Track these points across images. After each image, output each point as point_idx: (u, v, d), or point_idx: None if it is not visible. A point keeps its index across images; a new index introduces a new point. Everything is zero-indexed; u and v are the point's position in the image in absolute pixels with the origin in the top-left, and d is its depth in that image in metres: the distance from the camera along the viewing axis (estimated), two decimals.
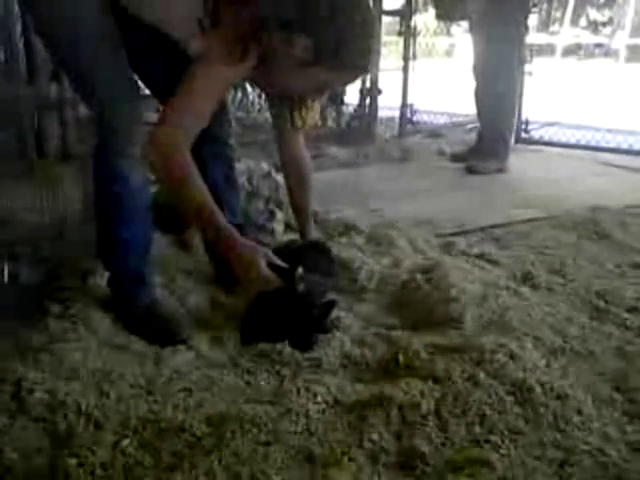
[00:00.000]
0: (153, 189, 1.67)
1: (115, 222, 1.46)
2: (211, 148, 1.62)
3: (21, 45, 3.14)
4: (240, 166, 2.08)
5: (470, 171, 3.35)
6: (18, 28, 3.13)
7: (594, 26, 15.37)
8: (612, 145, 3.95)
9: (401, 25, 4.23)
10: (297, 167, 1.70)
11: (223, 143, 1.70)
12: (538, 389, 1.14)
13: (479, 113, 3.58)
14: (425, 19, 4.97)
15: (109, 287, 1.54)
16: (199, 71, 1.28)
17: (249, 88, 4.44)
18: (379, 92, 4.04)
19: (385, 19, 4.36)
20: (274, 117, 1.67)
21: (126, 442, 1.03)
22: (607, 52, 13.10)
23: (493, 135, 3.43)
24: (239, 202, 1.85)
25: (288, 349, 1.34)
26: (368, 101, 4.11)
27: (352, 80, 1.44)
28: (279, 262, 1.31)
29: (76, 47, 1.33)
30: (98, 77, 1.36)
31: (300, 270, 1.35)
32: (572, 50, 12.96)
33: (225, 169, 1.72)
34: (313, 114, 1.61)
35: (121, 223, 1.46)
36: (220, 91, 1.36)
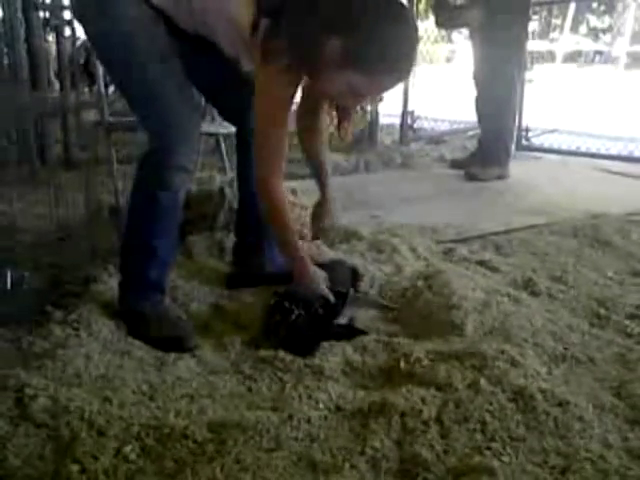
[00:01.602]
0: None
1: (150, 229, 1.47)
2: None
3: (24, 51, 3.16)
4: None
5: (471, 178, 3.36)
6: (22, 34, 3.15)
7: (594, 33, 15.45)
8: (612, 152, 3.97)
9: None
10: (320, 158, 1.69)
11: None
12: (539, 396, 1.14)
13: (480, 120, 3.59)
14: (426, 26, 5.00)
15: (119, 290, 1.54)
16: (264, 95, 1.33)
17: None
18: (380, 99, 4.06)
19: None
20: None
21: (128, 448, 1.03)
22: (607, 59, 13.16)
23: (493, 142, 3.45)
24: None
25: (290, 356, 1.34)
26: (369, 108, 4.12)
27: (387, 87, 1.33)
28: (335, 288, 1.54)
29: (133, 68, 1.38)
30: (161, 100, 1.40)
31: (352, 293, 1.60)
32: (572, 57, 13.00)
33: None
34: (354, 125, 1.61)
35: (156, 231, 1.47)
36: (290, 102, 1.38)
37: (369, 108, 1.51)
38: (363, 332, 1.47)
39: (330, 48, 1.23)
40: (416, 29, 1.32)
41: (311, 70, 1.31)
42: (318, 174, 1.69)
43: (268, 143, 1.39)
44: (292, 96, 1.38)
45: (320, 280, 1.51)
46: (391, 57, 1.25)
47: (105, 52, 1.45)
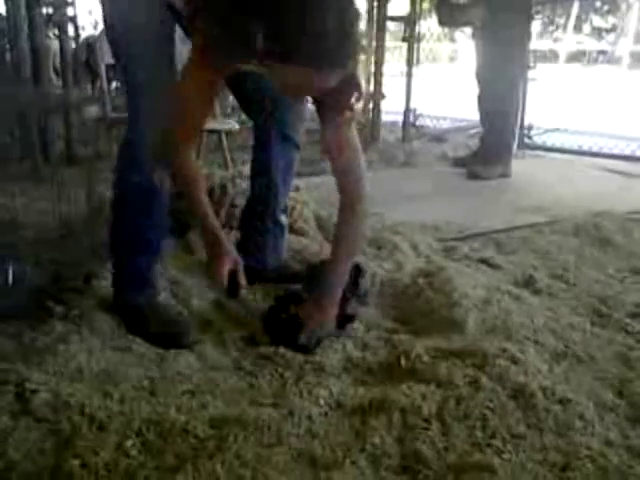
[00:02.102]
0: None
1: (136, 220, 1.46)
2: (282, 148, 1.65)
3: (27, 48, 3.16)
4: None
5: (472, 176, 3.36)
6: (25, 31, 3.15)
7: (597, 33, 15.41)
8: (615, 151, 3.96)
9: (405, 31, 4.25)
10: (339, 152, 1.49)
11: (294, 145, 1.70)
12: (540, 394, 1.14)
13: (482, 118, 3.58)
14: (429, 25, 4.99)
15: (113, 287, 1.54)
16: (187, 71, 1.29)
17: None
18: (383, 97, 4.05)
19: (389, 25, 4.38)
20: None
21: (129, 443, 1.03)
22: (610, 59, 13.13)
23: (496, 140, 3.44)
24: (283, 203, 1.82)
25: (290, 352, 1.34)
26: (372, 106, 4.12)
27: (325, 80, 1.16)
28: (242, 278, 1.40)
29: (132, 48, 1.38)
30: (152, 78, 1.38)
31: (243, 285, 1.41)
32: (575, 56, 12.98)
33: (287, 171, 1.73)
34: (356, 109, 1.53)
35: (143, 223, 1.46)
36: (216, 83, 1.34)
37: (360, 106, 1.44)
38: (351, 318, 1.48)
39: (259, 42, 1.12)
40: (352, 21, 1.16)
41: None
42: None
43: (187, 119, 1.31)
44: (217, 81, 1.33)
45: (228, 263, 1.37)
46: (317, 50, 1.10)
47: (112, 44, 1.45)
